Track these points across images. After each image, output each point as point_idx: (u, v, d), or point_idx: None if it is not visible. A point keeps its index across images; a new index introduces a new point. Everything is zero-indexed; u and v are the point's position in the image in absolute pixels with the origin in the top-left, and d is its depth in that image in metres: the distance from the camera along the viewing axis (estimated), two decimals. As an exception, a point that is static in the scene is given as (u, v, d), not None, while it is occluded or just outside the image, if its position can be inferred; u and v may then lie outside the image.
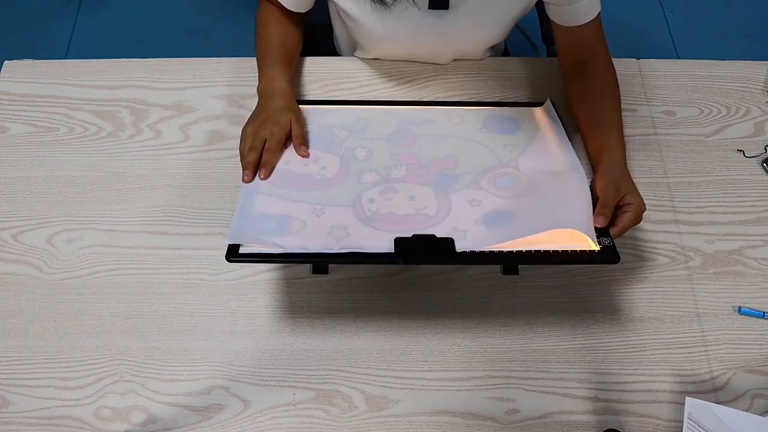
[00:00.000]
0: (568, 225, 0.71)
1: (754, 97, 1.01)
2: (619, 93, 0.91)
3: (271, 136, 0.80)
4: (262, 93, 0.87)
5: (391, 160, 0.83)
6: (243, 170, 0.78)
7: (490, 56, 1.05)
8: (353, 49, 1.05)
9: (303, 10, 0.95)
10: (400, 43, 0.96)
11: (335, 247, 0.70)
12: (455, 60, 1.03)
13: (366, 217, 0.74)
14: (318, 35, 1.10)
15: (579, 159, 0.83)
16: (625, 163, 0.84)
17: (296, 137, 0.82)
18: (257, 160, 0.79)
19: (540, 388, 0.77)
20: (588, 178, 0.80)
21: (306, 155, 0.82)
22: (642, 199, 0.78)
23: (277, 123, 0.81)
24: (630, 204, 0.77)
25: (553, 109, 0.92)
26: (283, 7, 0.93)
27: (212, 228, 0.87)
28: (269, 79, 0.88)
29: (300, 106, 0.91)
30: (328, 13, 1.06)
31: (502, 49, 1.14)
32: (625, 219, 0.76)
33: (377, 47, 0.99)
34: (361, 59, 1.03)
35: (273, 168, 0.79)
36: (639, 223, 0.78)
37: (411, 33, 0.93)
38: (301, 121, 0.85)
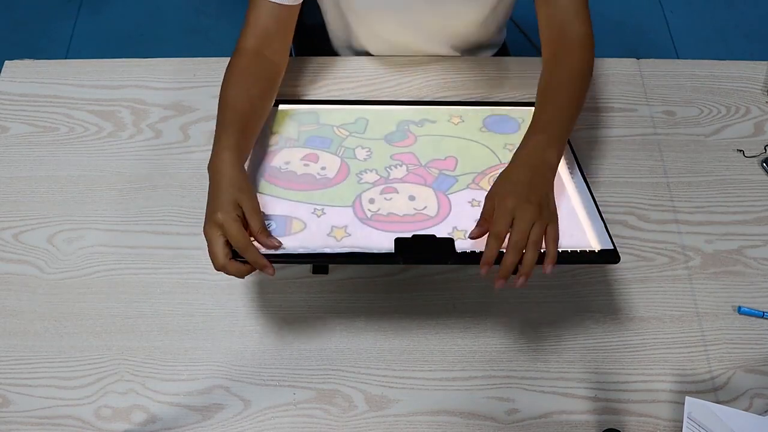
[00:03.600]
0: (568, 238, 0.72)
1: (753, 97, 1.01)
2: (583, 82, 0.81)
3: (233, 236, 0.66)
4: (210, 171, 0.73)
5: (391, 160, 0.83)
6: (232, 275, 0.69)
7: (490, 46, 1.04)
8: (347, 44, 1.04)
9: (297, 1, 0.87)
10: (389, 13, 0.94)
11: (336, 248, 0.70)
12: (451, 46, 1.02)
13: (366, 217, 0.74)
14: (317, 35, 1.10)
15: (580, 163, 0.83)
16: (545, 150, 0.72)
17: (254, 232, 0.68)
18: (243, 267, 0.67)
19: (540, 387, 0.77)
20: (588, 186, 0.80)
21: (274, 245, 0.68)
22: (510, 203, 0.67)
23: (231, 220, 0.67)
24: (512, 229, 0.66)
25: None
26: (258, 63, 0.83)
27: (212, 228, 0.87)
28: (216, 151, 0.75)
29: (299, 105, 0.91)
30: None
31: (500, 44, 1.12)
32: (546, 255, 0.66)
33: (366, 21, 0.98)
34: (361, 58, 1.03)
35: (268, 252, 0.68)
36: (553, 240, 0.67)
37: (398, 2, 0.91)
38: (254, 204, 0.70)
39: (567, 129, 0.77)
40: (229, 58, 1.02)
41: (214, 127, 0.95)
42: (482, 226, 0.70)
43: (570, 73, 0.81)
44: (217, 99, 0.98)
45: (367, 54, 1.06)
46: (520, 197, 0.67)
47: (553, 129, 0.75)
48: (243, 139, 0.77)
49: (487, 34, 1.04)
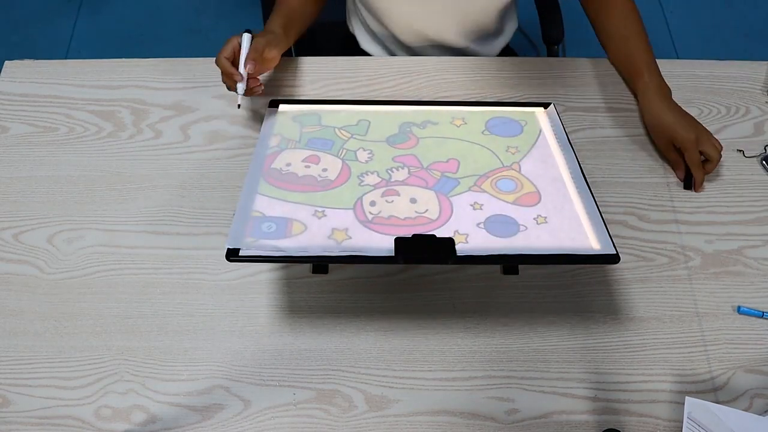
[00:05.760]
0: (569, 239, 0.72)
1: (753, 97, 1.01)
2: (641, 26, 0.97)
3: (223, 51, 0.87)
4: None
5: (393, 162, 0.83)
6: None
7: (498, 36, 1.06)
8: (357, 16, 1.05)
9: None
10: None
11: (336, 250, 0.70)
12: (464, 30, 1.02)
13: (367, 219, 0.74)
14: (317, 35, 1.10)
15: (580, 165, 0.83)
16: (667, 95, 0.93)
17: (246, 56, 0.86)
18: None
19: (540, 387, 0.77)
20: (588, 186, 0.80)
21: (246, 69, 0.85)
22: (684, 129, 0.89)
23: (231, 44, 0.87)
24: (682, 144, 0.89)
25: (556, 114, 0.92)
26: None
27: (212, 228, 0.87)
28: (266, 26, 0.92)
29: (301, 107, 0.91)
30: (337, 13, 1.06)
31: (511, 34, 1.13)
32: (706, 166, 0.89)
33: (386, 5, 1.00)
34: (362, 58, 1.03)
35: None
36: (705, 138, 0.89)
37: None
38: (268, 39, 0.88)
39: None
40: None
41: (212, 127, 0.96)
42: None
43: (633, 25, 0.98)
44: (217, 99, 0.99)
45: (374, 33, 1.06)
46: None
47: (657, 84, 0.95)
48: (283, 28, 0.92)
49: (502, 23, 1.06)
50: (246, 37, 0.87)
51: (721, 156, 0.89)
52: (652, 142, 0.95)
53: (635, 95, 0.98)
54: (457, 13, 1.01)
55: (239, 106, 0.87)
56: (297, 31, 0.97)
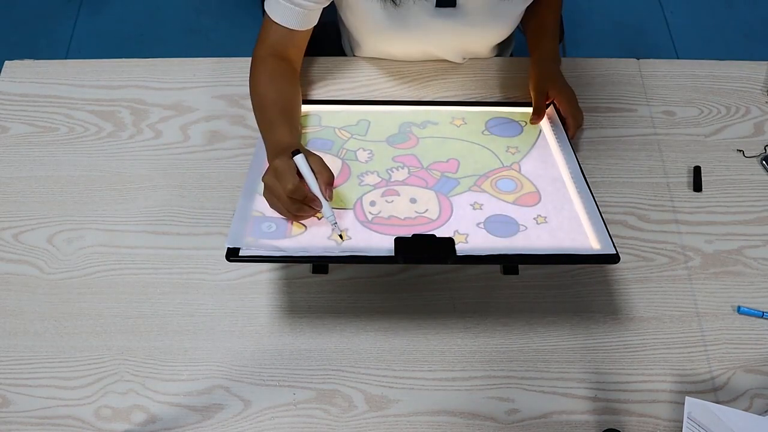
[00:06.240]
0: (569, 239, 0.73)
1: (753, 97, 1.01)
2: (559, 4, 1.02)
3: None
4: (271, 158, 0.76)
5: (393, 162, 0.83)
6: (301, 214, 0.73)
7: (498, 56, 1.06)
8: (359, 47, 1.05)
9: (308, 27, 0.90)
10: (407, 39, 0.96)
11: (336, 250, 0.70)
12: (464, 58, 1.02)
13: (367, 220, 0.74)
14: (317, 35, 1.10)
15: (580, 164, 0.83)
16: (553, 60, 0.96)
17: (325, 182, 0.73)
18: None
19: (540, 387, 0.77)
20: (588, 186, 0.80)
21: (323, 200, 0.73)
22: (564, 87, 0.92)
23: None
24: (557, 97, 0.91)
25: (556, 114, 0.92)
26: (276, 63, 0.88)
27: (212, 228, 0.87)
28: (276, 142, 0.78)
29: (301, 106, 0.91)
30: (335, 13, 1.05)
31: (512, 49, 1.13)
32: (569, 122, 0.90)
33: (385, 45, 0.99)
34: (362, 58, 1.03)
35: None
36: (575, 104, 0.91)
37: (418, 30, 0.93)
38: (310, 153, 0.75)
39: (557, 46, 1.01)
40: (229, 58, 1.03)
41: (212, 127, 0.96)
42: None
43: (554, 14, 1.01)
44: (217, 99, 0.99)
45: None
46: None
47: (555, 51, 0.98)
48: (297, 131, 0.84)
49: (499, 49, 1.06)
50: (302, 159, 0.72)
51: (582, 122, 0.93)
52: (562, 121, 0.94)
53: (533, 52, 0.97)
54: (455, 53, 1.01)
55: (342, 236, 0.72)
56: (299, 122, 0.89)
